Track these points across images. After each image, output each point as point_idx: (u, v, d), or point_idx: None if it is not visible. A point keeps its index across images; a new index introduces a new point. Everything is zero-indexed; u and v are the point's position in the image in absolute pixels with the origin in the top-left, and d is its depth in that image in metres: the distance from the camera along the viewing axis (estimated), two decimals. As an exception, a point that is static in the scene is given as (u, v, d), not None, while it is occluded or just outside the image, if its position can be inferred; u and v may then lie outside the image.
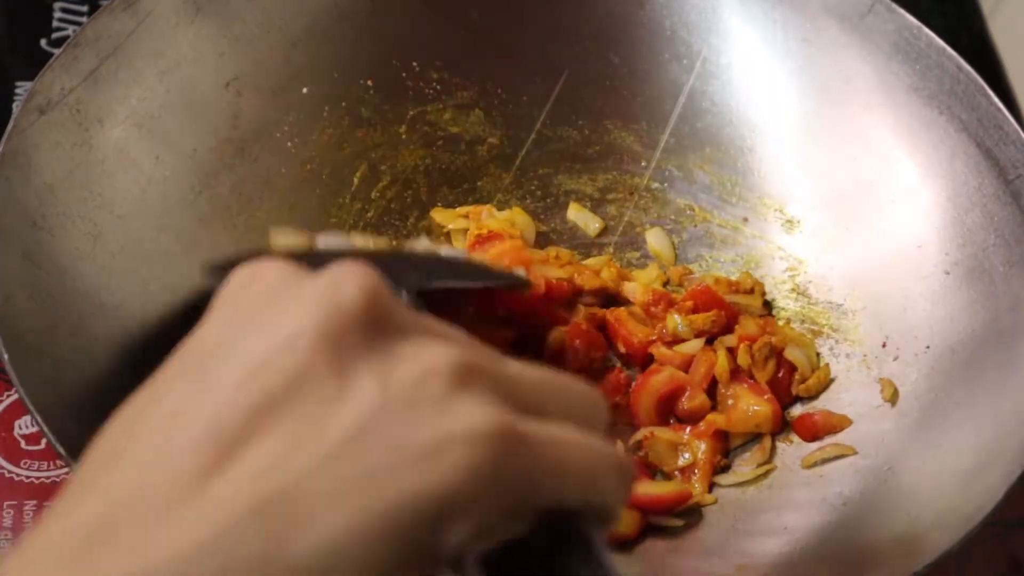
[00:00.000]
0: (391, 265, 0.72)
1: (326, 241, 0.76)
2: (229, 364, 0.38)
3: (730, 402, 0.79)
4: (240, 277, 0.41)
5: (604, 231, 0.91)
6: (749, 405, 0.79)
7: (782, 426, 0.80)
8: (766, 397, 0.79)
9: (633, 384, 0.80)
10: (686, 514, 0.76)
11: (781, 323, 0.84)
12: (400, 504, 0.35)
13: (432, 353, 0.38)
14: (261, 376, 0.37)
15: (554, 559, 0.40)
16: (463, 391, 0.37)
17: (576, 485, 0.40)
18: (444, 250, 0.81)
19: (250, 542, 0.34)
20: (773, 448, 0.79)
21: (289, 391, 0.37)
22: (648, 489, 0.75)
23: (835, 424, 0.78)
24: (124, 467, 0.36)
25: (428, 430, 0.36)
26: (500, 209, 0.90)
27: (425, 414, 0.37)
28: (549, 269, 0.84)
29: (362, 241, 0.81)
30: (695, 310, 0.82)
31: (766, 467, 0.78)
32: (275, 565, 0.34)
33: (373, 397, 0.37)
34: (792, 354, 0.81)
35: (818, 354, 0.83)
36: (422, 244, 0.84)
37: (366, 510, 0.35)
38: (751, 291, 0.84)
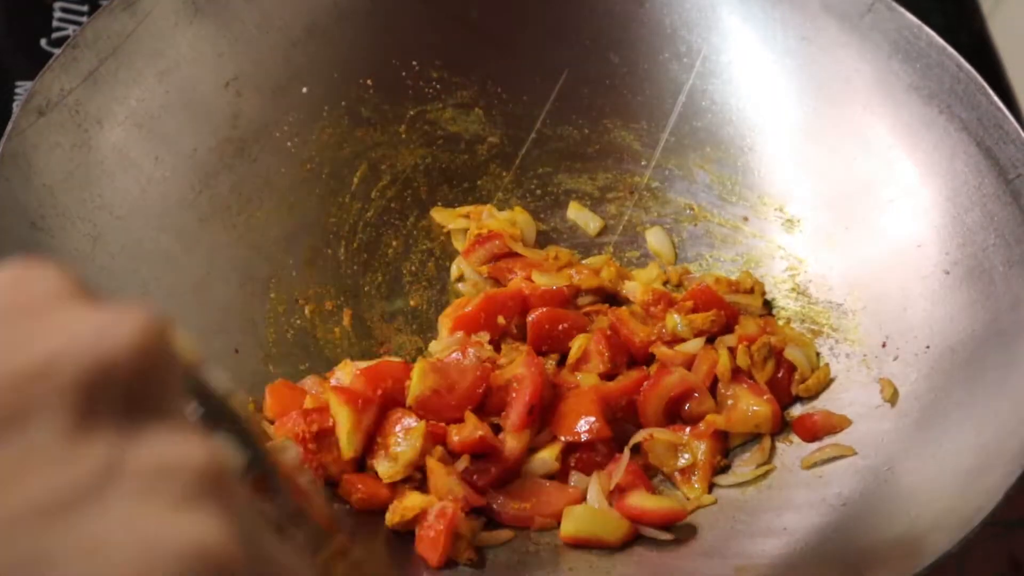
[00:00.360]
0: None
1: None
2: None
3: (730, 402, 0.79)
4: (16, 271, 0.35)
5: (604, 230, 0.91)
6: (749, 405, 0.79)
7: (782, 426, 0.80)
8: (765, 397, 0.79)
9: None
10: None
11: (781, 323, 0.84)
12: None
13: (190, 450, 0.34)
14: None
15: None
16: (198, 503, 0.33)
17: None
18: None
19: None
20: (773, 448, 0.79)
21: (11, 423, 0.32)
22: (642, 503, 0.75)
23: (835, 424, 0.78)
24: None
25: (152, 528, 0.32)
26: (500, 208, 0.90)
27: (156, 508, 0.32)
28: (545, 276, 0.85)
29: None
30: (695, 309, 0.82)
31: (765, 467, 0.78)
32: None
33: (102, 465, 0.32)
34: (792, 354, 0.81)
35: (818, 354, 0.83)
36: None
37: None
38: (751, 291, 0.84)
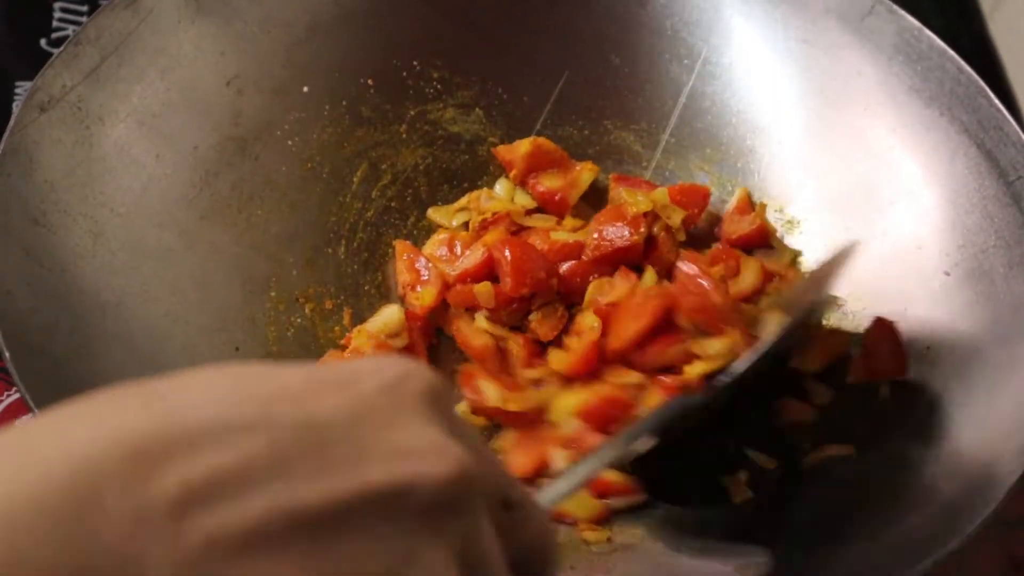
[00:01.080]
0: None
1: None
2: (301, 453, 0.37)
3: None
4: (388, 368, 0.41)
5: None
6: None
7: None
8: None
9: None
10: (684, 514, 0.76)
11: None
12: None
13: (440, 468, 0.39)
14: (315, 490, 0.37)
15: None
16: (431, 530, 0.38)
17: None
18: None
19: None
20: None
21: (329, 523, 0.37)
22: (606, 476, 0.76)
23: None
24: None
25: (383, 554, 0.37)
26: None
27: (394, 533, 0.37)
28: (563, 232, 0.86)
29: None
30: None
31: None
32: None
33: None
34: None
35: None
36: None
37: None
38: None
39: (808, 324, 0.81)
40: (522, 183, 0.89)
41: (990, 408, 0.72)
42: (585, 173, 0.89)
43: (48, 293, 0.72)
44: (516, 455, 0.78)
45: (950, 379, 0.76)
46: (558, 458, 0.77)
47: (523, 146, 0.89)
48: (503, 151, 0.90)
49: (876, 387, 0.79)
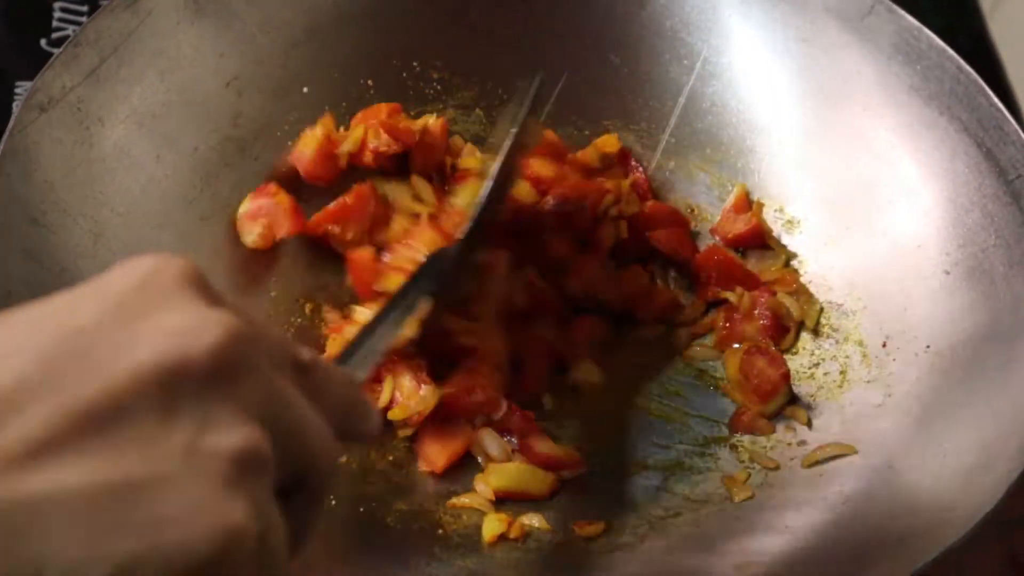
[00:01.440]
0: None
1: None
2: (70, 361, 0.38)
3: None
4: (140, 265, 0.42)
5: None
6: None
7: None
8: None
9: None
10: (684, 514, 0.76)
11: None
12: (117, 568, 0.37)
13: (236, 436, 0.39)
14: (95, 384, 0.38)
15: None
16: (238, 487, 0.39)
17: None
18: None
19: None
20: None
21: (110, 413, 0.38)
22: (546, 450, 0.78)
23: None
24: None
25: (194, 517, 0.38)
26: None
27: (202, 495, 0.38)
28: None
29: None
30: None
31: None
32: None
33: (171, 460, 0.38)
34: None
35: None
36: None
37: (84, 556, 0.36)
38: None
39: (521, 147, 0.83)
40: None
41: (990, 408, 0.72)
42: (571, 174, 0.88)
43: (48, 293, 0.72)
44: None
45: (950, 378, 0.76)
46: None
47: None
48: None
49: (876, 387, 0.79)
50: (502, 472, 0.78)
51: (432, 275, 0.73)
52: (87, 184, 0.77)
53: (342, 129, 0.87)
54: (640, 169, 0.90)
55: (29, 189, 0.74)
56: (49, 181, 0.75)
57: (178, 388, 0.39)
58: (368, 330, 0.63)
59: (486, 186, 0.78)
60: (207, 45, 0.85)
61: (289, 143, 0.87)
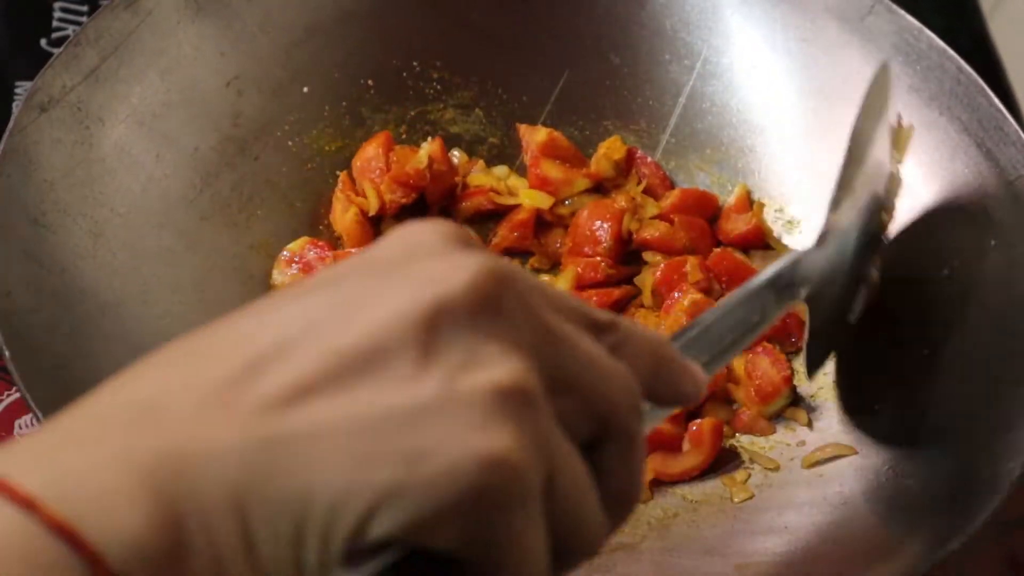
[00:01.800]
0: None
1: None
2: (333, 304, 0.40)
3: None
4: (405, 231, 0.43)
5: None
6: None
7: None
8: None
9: None
10: (685, 514, 0.76)
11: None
12: (381, 494, 0.37)
13: (503, 369, 0.39)
14: (353, 331, 0.39)
15: None
16: (506, 419, 0.39)
17: (561, 545, 0.41)
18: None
19: (258, 463, 0.37)
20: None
21: (369, 355, 0.38)
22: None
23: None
24: (181, 363, 0.40)
25: (456, 440, 0.38)
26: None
27: (463, 424, 0.38)
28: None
29: None
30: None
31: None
32: (256, 491, 0.37)
33: (433, 391, 0.38)
34: None
35: None
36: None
37: (349, 484, 0.37)
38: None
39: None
40: (531, 165, 0.89)
41: (990, 408, 0.72)
42: (579, 179, 0.88)
43: (48, 293, 0.73)
44: None
45: (950, 379, 0.76)
46: None
47: (540, 134, 0.89)
48: (525, 130, 0.90)
49: (876, 386, 0.79)
50: None
51: (798, 277, 0.64)
52: (87, 184, 0.77)
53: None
54: (648, 160, 0.90)
55: (29, 189, 0.74)
56: (49, 181, 0.75)
57: (438, 327, 0.39)
58: (710, 320, 0.55)
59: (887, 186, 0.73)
60: (207, 44, 0.85)
61: (289, 143, 0.87)
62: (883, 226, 0.75)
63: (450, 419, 0.38)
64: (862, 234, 0.70)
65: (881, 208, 0.74)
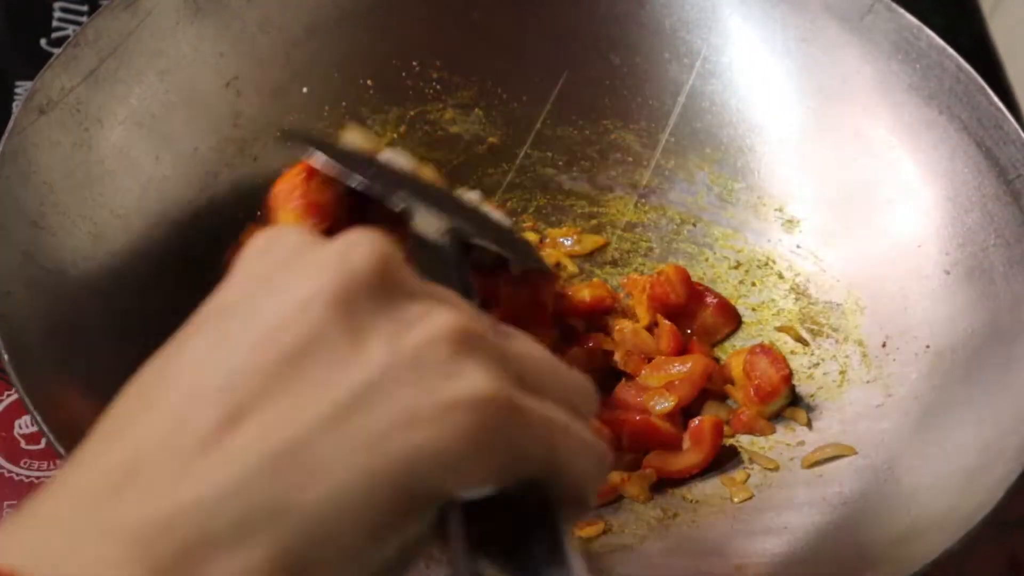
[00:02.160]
0: (441, 202, 0.74)
1: (388, 156, 0.78)
2: (246, 325, 0.40)
3: None
4: (258, 242, 0.43)
5: (603, 231, 0.91)
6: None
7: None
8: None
9: None
10: (684, 514, 0.76)
11: (778, 324, 0.84)
12: (402, 461, 0.38)
13: (439, 319, 0.40)
14: (276, 337, 0.39)
15: (523, 537, 0.41)
16: (466, 357, 0.40)
17: (559, 463, 0.42)
18: (491, 211, 0.83)
19: (263, 491, 0.37)
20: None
21: (303, 352, 0.39)
22: None
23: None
24: (147, 419, 0.39)
25: (432, 393, 0.39)
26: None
27: (430, 377, 0.39)
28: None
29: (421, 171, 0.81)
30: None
31: None
32: (285, 514, 0.36)
33: (382, 359, 0.39)
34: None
35: None
36: (472, 196, 0.84)
37: (370, 466, 0.37)
38: None
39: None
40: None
41: (990, 407, 0.72)
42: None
43: (48, 294, 0.73)
44: None
45: (950, 378, 0.76)
46: None
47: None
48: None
49: (876, 387, 0.79)
50: None
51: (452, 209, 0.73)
52: (86, 186, 0.77)
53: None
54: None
55: (28, 191, 0.74)
56: (48, 183, 0.75)
57: (352, 304, 0.39)
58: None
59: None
60: (207, 45, 0.85)
61: (289, 144, 0.87)
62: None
63: (415, 378, 0.39)
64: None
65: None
